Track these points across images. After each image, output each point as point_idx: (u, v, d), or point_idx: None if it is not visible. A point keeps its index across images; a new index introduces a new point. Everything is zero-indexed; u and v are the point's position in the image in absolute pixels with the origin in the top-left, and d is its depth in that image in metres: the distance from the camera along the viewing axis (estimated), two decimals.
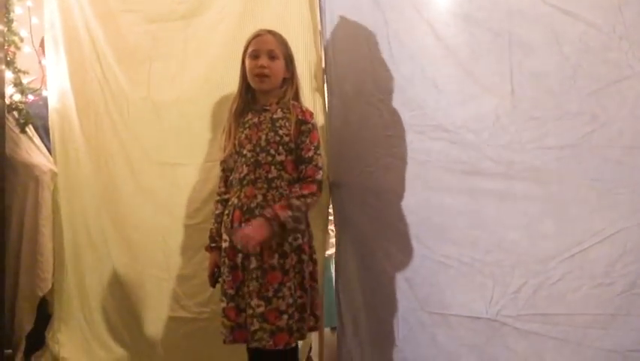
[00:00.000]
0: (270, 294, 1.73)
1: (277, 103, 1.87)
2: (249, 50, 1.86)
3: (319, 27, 2.18)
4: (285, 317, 1.73)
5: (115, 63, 2.37)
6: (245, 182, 1.81)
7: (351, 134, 2.06)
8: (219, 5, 2.26)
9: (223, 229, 1.85)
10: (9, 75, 2.26)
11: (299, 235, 1.80)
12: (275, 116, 1.84)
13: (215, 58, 2.25)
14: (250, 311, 1.73)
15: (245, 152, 1.83)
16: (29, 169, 2.22)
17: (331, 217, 2.24)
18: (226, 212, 1.86)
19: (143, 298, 2.34)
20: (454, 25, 1.84)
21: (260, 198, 1.78)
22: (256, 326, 1.71)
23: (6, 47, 2.24)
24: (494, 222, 1.74)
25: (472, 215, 1.77)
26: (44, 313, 2.32)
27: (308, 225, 1.88)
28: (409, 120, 1.89)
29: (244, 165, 1.82)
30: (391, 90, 1.94)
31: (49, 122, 2.40)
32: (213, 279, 1.92)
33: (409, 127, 1.89)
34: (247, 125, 1.86)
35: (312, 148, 1.82)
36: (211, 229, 1.93)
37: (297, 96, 1.93)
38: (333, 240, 2.27)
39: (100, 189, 2.38)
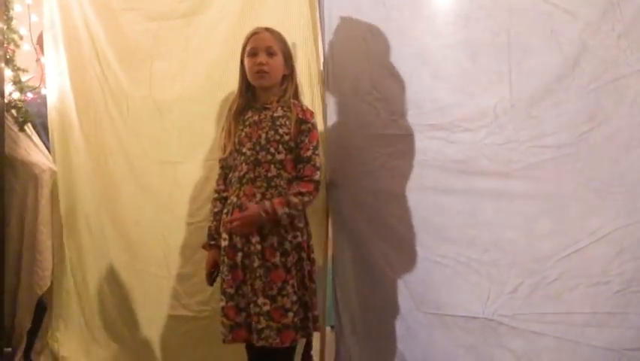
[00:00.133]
0: (275, 292, 1.74)
1: (278, 101, 1.87)
2: (247, 48, 1.86)
3: (318, 25, 2.18)
4: (291, 314, 1.74)
5: (115, 62, 2.36)
6: (244, 180, 1.81)
7: (348, 133, 2.06)
8: (220, 4, 2.26)
9: (222, 228, 1.86)
10: (8, 73, 2.26)
11: (298, 233, 1.81)
12: (275, 115, 1.84)
13: (216, 56, 2.25)
14: (256, 310, 1.73)
15: (245, 150, 1.83)
16: (28, 168, 2.22)
17: None
18: (225, 210, 1.86)
19: (143, 297, 2.34)
20: (453, 24, 1.84)
21: (259, 196, 1.78)
22: (263, 324, 1.72)
23: (5, 45, 2.23)
24: (491, 222, 1.75)
25: (469, 214, 1.78)
26: (39, 311, 2.31)
27: (307, 223, 1.88)
28: (407, 119, 1.89)
29: (244, 164, 1.82)
30: (388, 89, 1.94)
31: (49, 121, 2.40)
32: (211, 277, 1.92)
33: (406, 126, 1.89)
34: (247, 124, 1.86)
35: (311, 148, 1.83)
36: (209, 226, 1.93)
37: (296, 94, 1.93)
38: None
39: (99, 188, 2.38)
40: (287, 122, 1.83)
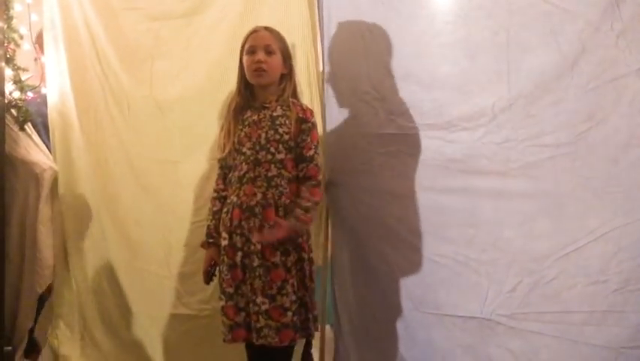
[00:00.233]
0: (274, 291, 1.74)
1: (276, 100, 1.88)
2: (246, 46, 1.87)
3: (317, 25, 2.18)
4: (290, 313, 1.74)
5: (116, 61, 2.37)
6: (244, 180, 1.81)
7: (347, 133, 2.07)
8: (221, 4, 2.26)
9: (222, 227, 1.86)
10: (8, 72, 2.26)
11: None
12: (275, 114, 1.84)
13: (217, 56, 2.25)
14: (255, 309, 1.74)
15: (244, 150, 1.83)
16: (29, 167, 2.22)
17: None
18: (225, 210, 1.86)
19: (143, 296, 2.34)
20: (452, 23, 1.84)
21: (259, 196, 1.79)
22: (261, 323, 1.73)
23: (6, 45, 2.23)
24: (489, 221, 1.75)
25: (467, 214, 1.78)
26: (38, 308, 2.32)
27: None
28: (405, 118, 1.89)
29: (243, 163, 1.83)
30: (387, 88, 1.94)
31: (49, 121, 2.40)
32: (208, 276, 1.93)
33: (404, 125, 1.89)
34: (246, 123, 1.86)
35: (313, 147, 1.84)
36: (208, 225, 1.93)
37: (295, 93, 1.93)
38: None
39: (100, 187, 2.39)
40: (286, 122, 1.83)
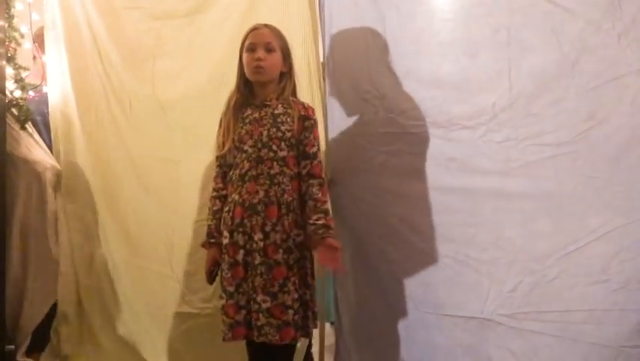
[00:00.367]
0: (276, 289, 1.74)
1: (277, 99, 1.87)
2: (246, 43, 1.86)
3: (319, 23, 2.18)
4: (291, 311, 1.74)
5: (118, 60, 2.37)
6: (246, 178, 1.81)
7: (348, 132, 2.06)
8: (224, 3, 2.26)
9: (223, 226, 1.86)
10: (9, 71, 2.26)
11: (301, 232, 1.81)
12: (276, 112, 1.84)
13: (219, 55, 2.25)
14: (256, 307, 1.73)
15: (246, 148, 1.83)
16: (31, 166, 2.22)
17: None
18: (226, 209, 1.85)
19: (145, 294, 2.35)
20: (452, 21, 1.84)
21: (262, 194, 1.78)
22: (262, 321, 1.72)
23: (7, 43, 2.24)
24: (490, 220, 1.75)
25: (468, 213, 1.78)
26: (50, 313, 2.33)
27: None
28: (405, 117, 1.89)
29: (245, 161, 1.82)
30: (386, 87, 1.94)
31: (51, 120, 2.41)
32: (211, 275, 1.93)
33: (404, 124, 1.89)
34: (247, 121, 1.86)
35: (316, 144, 1.84)
36: (209, 225, 1.92)
37: (294, 92, 1.93)
38: None
39: (101, 186, 2.39)
40: (288, 120, 1.83)
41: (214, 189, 1.95)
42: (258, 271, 1.75)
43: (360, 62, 2.00)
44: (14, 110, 2.24)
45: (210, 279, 1.92)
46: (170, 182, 2.31)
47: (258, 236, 1.76)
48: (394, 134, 1.92)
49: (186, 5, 2.30)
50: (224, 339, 1.79)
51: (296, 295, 1.76)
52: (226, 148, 1.88)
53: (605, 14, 1.61)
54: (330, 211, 1.83)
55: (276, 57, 1.85)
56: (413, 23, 1.90)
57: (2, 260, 2.11)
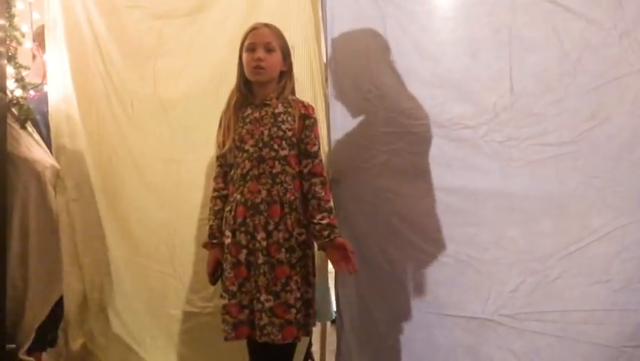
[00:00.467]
0: (279, 288, 1.74)
1: (277, 98, 1.87)
2: (246, 43, 1.85)
3: (320, 23, 2.18)
4: (294, 310, 1.74)
5: (119, 59, 2.36)
6: (248, 177, 1.80)
7: (350, 131, 2.06)
8: (225, 2, 2.25)
9: (225, 225, 1.86)
10: (10, 70, 2.26)
11: (304, 230, 1.81)
12: (277, 111, 1.84)
13: (220, 54, 2.24)
14: (259, 306, 1.73)
15: (247, 147, 1.82)
16: (30, 165, 2.21)
17: None
18: (228, 208, 1.85)
19: (146, 293, 2.34)
20: (454, 20, 1.84)
21: (264, 193, 1.78)
22: (265, 320, 1.72)
23: (7, 42, 2.23)
24: (491, 220, 1.75)
25: (469, 212, 1.78)
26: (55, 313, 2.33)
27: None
28: (406, 117, 1.89)
29: (246, 161, 1.82)
30: (387, 86, 1.94)
31: (51, 119, 2.40)
32: (214, 276, 1.92)
33: (405, 123, 1.89)
34: (248, 120, 1.86)
35: (317, 143, 1.84)
36: (211, 225, 1.91)
37: (293, 91, 1.93)
38: None
39: (102, 185, 2.39)
40: (289, 119, 1.83)
41: (215, 189, 1.94)
42: (262, 271, 1.75)
43: (361, 61, 2.00)
44: (14, 110, 2.23)
45: (213, 280, 1.92)
46: (172, 181, 2.30)
47: (260, 235, 1.76)
48: (396, 134, 1.92)
49: (187, 4, 2.29)
50: (226, 338, 1.79)
51: (298, 294, 1.76)
52: (226, 147, 1.88)
53: (606, 14, 1.62)
54: (334, 210, 1.82)
55: (276, 57, 1.84)
56: (414, 23, 1.89)
57: (2, 260, 2.10)
